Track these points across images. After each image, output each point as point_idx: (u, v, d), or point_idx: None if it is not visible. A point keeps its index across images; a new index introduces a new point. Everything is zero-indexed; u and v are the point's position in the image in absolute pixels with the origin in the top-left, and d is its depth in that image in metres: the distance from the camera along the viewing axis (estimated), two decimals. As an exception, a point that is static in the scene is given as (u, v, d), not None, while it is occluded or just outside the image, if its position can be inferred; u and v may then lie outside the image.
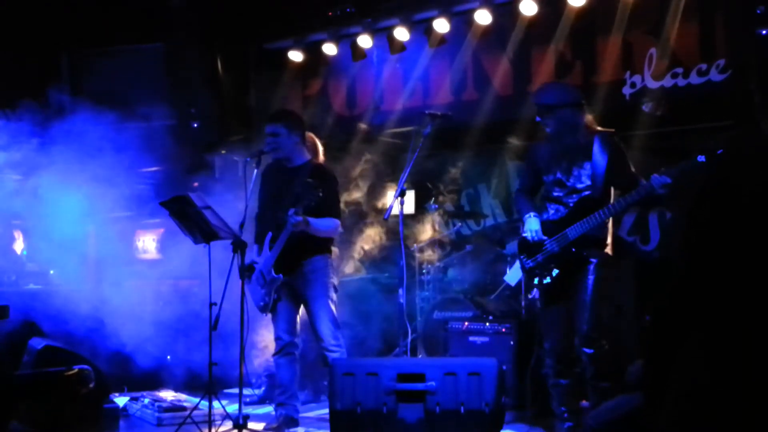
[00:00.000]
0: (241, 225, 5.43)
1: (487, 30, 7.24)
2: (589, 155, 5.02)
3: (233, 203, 6.37)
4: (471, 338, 6.52)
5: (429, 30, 7.46)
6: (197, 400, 5.70)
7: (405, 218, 7.58)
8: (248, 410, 5.91)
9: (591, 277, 4.96)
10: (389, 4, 7.69)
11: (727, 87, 6.10)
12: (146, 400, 6.27)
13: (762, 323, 1.49)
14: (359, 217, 7.79)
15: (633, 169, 5.04)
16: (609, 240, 5.14)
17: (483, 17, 7.12)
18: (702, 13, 6.26)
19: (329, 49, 8.02)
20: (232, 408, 5.74)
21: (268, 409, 6.19)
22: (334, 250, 5.97)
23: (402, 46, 7.70)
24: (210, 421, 5.33)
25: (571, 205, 5.07)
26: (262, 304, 5.67)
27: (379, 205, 7.81)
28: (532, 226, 5.19)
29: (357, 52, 7.93)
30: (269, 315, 5.77)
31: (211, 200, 5.57)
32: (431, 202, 7.80)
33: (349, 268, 7.54)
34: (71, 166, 6.45)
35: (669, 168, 4.72)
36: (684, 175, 4.66)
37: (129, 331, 6.60)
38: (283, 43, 8.35)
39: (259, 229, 5.84)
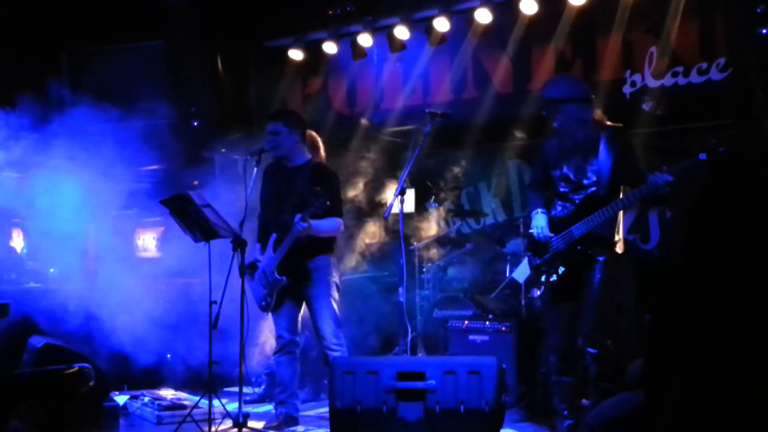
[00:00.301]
0: (241, 223, 5.44)
1: (488, 29, 7.24)
2: (595, 151, 4.97)
3: (233, 201, 6.37)
4: (471, 337, 6.52)
5: (429, 29, 7.46)
6: (197, 398, 5.70)
7: (408, 216, 7.62)
8: (248, 408, 5.92)
9: (597, 277, 4.94)
10: (389, 3, 7.70)
11: (727, 86, 6.10)
12: (146, 399, 6.27)
13: (762, 323, 1.49)
14: (359, 216, 7.79)
15: (640, 166, 4.98)
16: (620, 237, 5.11)
17: (483, 16, 7.12)
18: (702, 12, 6.26)
19: (329, 47, 8.02)
20: (232, 406, 5.74)
21: (268, 407, 6.19)
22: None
23: (402, 45, 7.70)
24: (210, 420, 5.33)
25: (577, 201, 5.04)
26: (263, 303, 5.68)
27: (380, 203, 7.81)
28: (538, 223, 5.16)
29: (357, 51, 7.93)
30: (269, 313, 5.78)
31: (211, 198, 5.57)
32: (431, 200, 7.80)
33: (350, 262, 7.54)
34: (72, 164, 6.44)
35: (671, 166, 4.70)
36: (685, 174, 4.62)
37: (129, 329, 6.60)
38: (283, 41, 8.35)
39: (261, 229, 5.84)
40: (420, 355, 6.94)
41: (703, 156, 4.52)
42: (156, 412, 5.98)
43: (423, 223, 7.81)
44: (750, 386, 1.48)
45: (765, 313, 1.50)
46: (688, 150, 6.36)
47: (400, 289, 5.83)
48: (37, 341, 5.84)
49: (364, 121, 8.11)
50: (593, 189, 4.98)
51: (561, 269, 5.05)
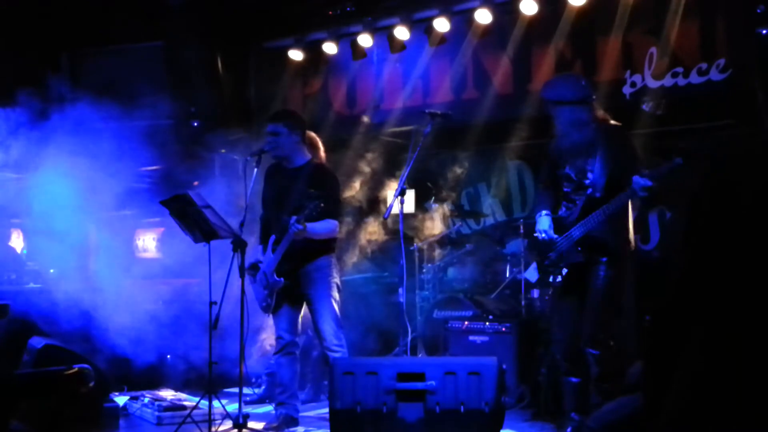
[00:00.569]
0: (241, 224, 5.44)
1: (488, 29, 7.23)
2: (593, 152, 4.97)
3: (233, 202, 6.37)
4: (471, 337, 6.52)
5: (429, 29, 7.46)
6: (197, 399, 5.70)
7: (410, 216, 7.62)
8: (248, 409, 5.92)
9: (598, 278, 4.94)
10: (389, 3, 7.69)
11: (727, 86, 6.09)
12: (146, 399, 6.27)
13: (763, 323, 1.49)
14: (359, 216, 7.79)
15: (639, 166, 4.88)
16: (630, 235, 5.11)
17: (483, 16, 7.11)
18: (702, 13, 6.25)
19: (329, 48, 8.02)
20: (232, 407, 5.74)
21: (268, 408, 6.19)
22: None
23: (402, 45, 7.70)
24: (210, 421, 5.33)
25: (578, 202, 5.04)
26: (264, 304, 5.69)
27: (380, 203, 7.81)
28: (541, 225, 5.17)
29: (357, 51, 7.93)
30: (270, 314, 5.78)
31: (211, 199, 5.57)
32: (431, 201, 7.80)
33: (350, 262, 7.54)
34: (72, 165, 6.44)
35: (651, 170, 4.69)
36: (663, 178, 4.63)
37: (129, 330, 6.59)
38: (283, 42, 8.35)
39: (263, 230, 5.85)
40: (420, 355, 6.94)
41: (679, 160, 4.54)
42: (156, 413, 5.98)
43: (427, 222, 7.81)
44: (750, 387, 1.48)
45: (765, 314, 1.50)
46: (688, 150, 6.39)
47: (400, 290, 5.82)
48: (37, 342, 5.84)
49: (365, 118, 8.11)
50: (590, 190, 4.99)
51: (564, 270, 5.06)
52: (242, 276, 5.35)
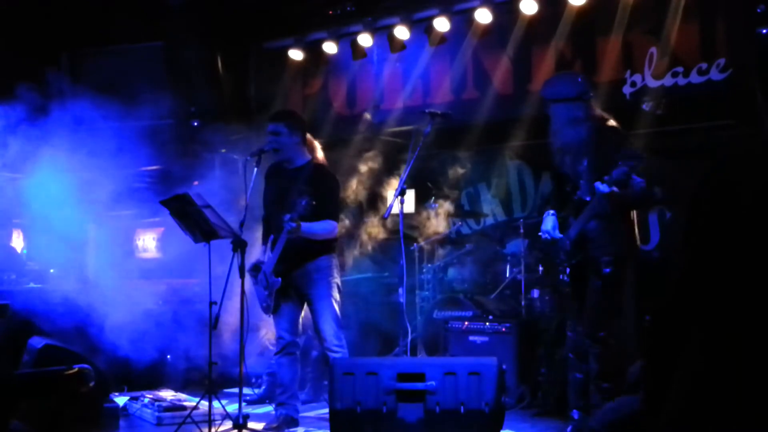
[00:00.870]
0: (242, 224, 5.44)
1: (488, 29, 7.23)
2: (587, 151, 4.98)
3: (233, 202, 6.37)
4: (471, 338, 6.52)
5: (429, 29, 7.46)
6: (197, 399, 5.70)
7: (410, 216, 7.61)
8: (248, 410, 5.92)
9: (599, 277, 4.97)
10: (389, 3, 7.69)
11: (727, 86, 6.09)
12: (146, 400, 6.27)
13: (763, 324, 1.49)
14: (359, 215, 7.79)
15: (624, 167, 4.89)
16: (634, 235, 5.13)
17: (483, 16, 7.11)
18: (702, 13, 6.25)
19: (329, 47, 8.01)
20: (233, 407, 5.73)
21: (269, 408, 6.19)
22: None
23: (402, 45, 7.70)
24: (210, 421, 5.32)
25: (575, 201, 5.07)
26: (265, 305, 5.69)
27: (380, 203, 7.81)
28: (545, 225, 5.20)
29: (357, 51, 7.93)
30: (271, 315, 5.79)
31: (211, 199, 5.57)
32: (431, 201, 7.80)
33: (350, 262, 7.54)
34: (72, 165, 6.44)
35: (608, 176, 4.68)
36: (619, 184, 4.66)
37: (129, 330, 6.59)
38: (283, 41, 8.35)
39: (265, 231, 5.86)
40: (420, 356, 6.94)
41: (624, 168, 4.58)
42: (156, 413, 5.97)
43: (431, 220, 7.80)
44: (750, 387, 1.47)
45: (765, 314, 1.49)
46: (688, 150, 6.40)
47: (400, 290, 5.83)
48: (37, 342, 5.84)
49: (367, 115, 8.11)
50: (581, 191, 5.02)
51: (568, 269, 5.08)
52: (242, 276, 5.35)
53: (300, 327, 5.80)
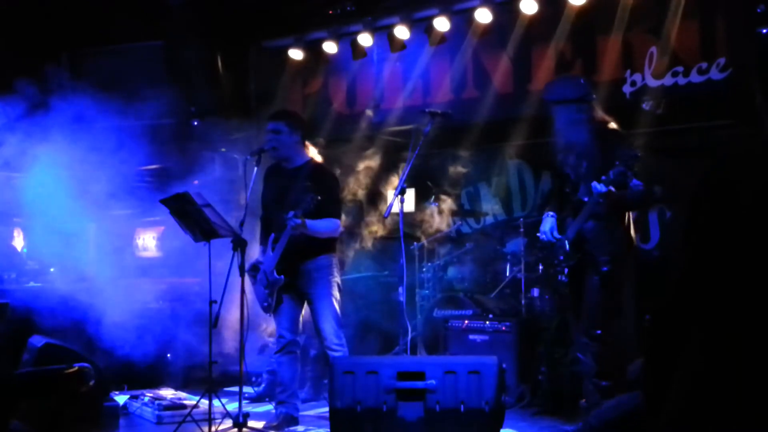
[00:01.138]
0: (241, 223, 5.44)
1: (488, 28, 7.23)
2: (588, 152, 5.01)
3: (233, 201, 6.37)
4: (471, 336, 6.53)
5: (429, 28, 7.45)
6: (197, 398, 5.70)
7: (412, 215, 7.61)
8: (248, 408, 5.92)
9: (596, 277, 5.00)
10: (389, 3, 7.69)
11: (727, 86, 6.09)
12: (146, 398, 6.27)
13: (763, 324, 1.49)
14: (359, 215, 7.79)
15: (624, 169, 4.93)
16: (630, 235, 5.16)
17: (483, 16, 7.11)
18: (702, 12, 6.25)
19: (329, 47, 8.01)
20: (233, 406, 5.74)
21: (269, 407, 6.19)
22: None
23: (402, 45, 7.69)
24: (210, 420, 5.33)
25: (574, 202, 5.11)
26: (265, 304, 5.69)
27: (380, 202, 7.81)
28: (544, 226, 5.25)
29: (357, 51, 7.93)
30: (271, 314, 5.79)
31: (211, 198, 5.57)
32: (431, 200, 7.80)
33: (350, 261, 7.54)
34: (72, 164, 6.44)
35: (605, 177, 4.72)
36: (615, 184, 4.74)
37: (129, 328, 6.60)
38: (283, 41, 8.35)
39: (263, 231, 5.85)
40: (420, 354, 6.94)
41: (621, 168, 4.66)
42: (156, 412, 5.98)
43: (434, 217, 7.80)
44: (750, 387, 1.48)
45: (765, 314, 1.50)
46: (687, 150, 6.40)
47: (400, 289, 5.84)
48: (37, 341, 5.84)
49: (369, 112, 8.10)
50: (580, 192, 5.07)
51: (566, 270, 5.11)
52: (242, 275, 5.36)
53: (300, 326, 5.80)
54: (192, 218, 5.47)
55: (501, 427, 4.74)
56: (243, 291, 5.33)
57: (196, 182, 7.41)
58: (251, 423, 5.40)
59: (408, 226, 7.04)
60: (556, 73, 6.97)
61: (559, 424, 5.61)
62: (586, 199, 4.99)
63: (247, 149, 6.87)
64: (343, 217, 6.59)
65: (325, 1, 8.00)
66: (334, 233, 5.72)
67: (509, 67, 7.35)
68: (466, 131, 7.58)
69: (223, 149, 8.11)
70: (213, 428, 5.34)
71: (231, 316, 5.88)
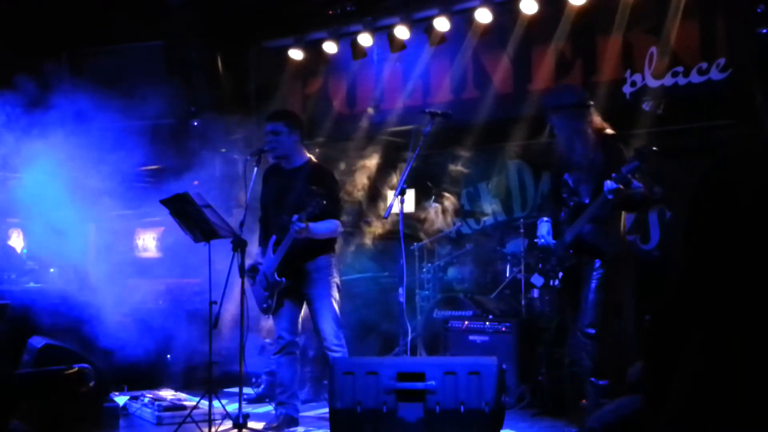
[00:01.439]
0: (241, 223, 5.44)
1: (488, 29, 7.23)
2: (587, 159, 5.09)
3: (233, 202, 6.37)
4: (471, 337, 6.52)
5: (429, 28, 7.45)
6: (197, 399, 5.70)
7: (412, 216, 7.60)
8: (248, 409, 5.92)
9: (591, 279, 5.05)
10: (389, 3, 7.69)
11: (727, 86, 6.09)
12: (146, 399, 6.27)
13: (763, 324, 1.49)
14: (359, 215, 7.79)
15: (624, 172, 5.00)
16: (621, 236, 5.23)
17: (483, 16, 7.11)
18: (702, 12, 6.25)
19: (329, 47, 8.01)
20: (233, 407, 5.73)
21: (268, 408, 6.19)
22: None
23: (402, 45, 7.69)
24: (210, 420, 5.32)
25: (572, 206, 5.18)
26: (265, 306, 5.69)
27: (379, 203, 7.81)
28: (540, 231, 5.34)
29: (357, 51, 7.93)
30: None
31: (211, 198, 5.57)
32: (431, 200, 7.80)
33: (350, 262, 7.54)
34: (72, 164, 6.44)
35: (616, 174, 4.77)
36: (626, 180, 4.79)
37: (129, 329, 6.60)
38: (283, 41, 8.35)
39: (263, 232, 5.85)
40: (420, 355, 6.94)
41: (636, 163, 4.71)
42: (156, 413, 5.97)
43: (437, 216, 7.79)
44: (750, 387, 1.47)
45: (765, 314, 1.49)
46: (687, 150, 6.39)
47: (400, 289, 5.82)
48: (37, 341, 5.84)
49: (370, 110, 8.10)
50: (580, 196, 5.14)
51: (560, 274, 5.15)
52: (242, 275, 5.35)
53: (300, 326, 5.80)
54: (192, 219, 5.47)
55: (501, 427, 4.74)
56: (243, 292, 5.33)
57: (196, 182, 7.41)
58: (251, 424, 5.39)
59: (408, 226, 7.03)
60: (556, 73, 6.97)
61: (559, 425, 5.61)
62: (586, 201, 5.04)
63: (247, 149, 6.87)
64: (343, 217, 6.60)
65: (325, 1, 7.99)
66: (335, 234, 5.72)
67: (509, 67, 7.35)
68: (466, 131, 7.58)
69: (223, 149, 8.10)
70: (213, 429, 5.34)
71: (231, 318, 5.88)
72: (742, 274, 1.52)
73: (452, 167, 7.99)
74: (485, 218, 8.55)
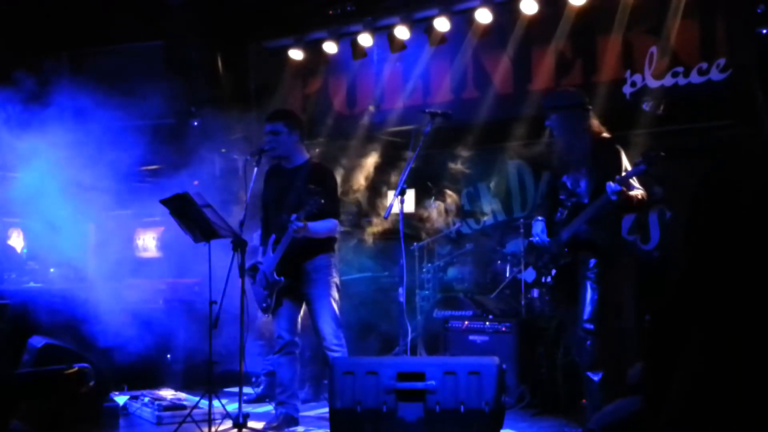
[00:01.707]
0: (241, 223, 5.44)
1: (488, 29, 7.23)
2: (586, 161, 5.12)
3: (233, 201, 6.36)
4: (471, 337, 6.52)
5: (429, 29, 7.45)
6: (197, 398, 5.70)
7: (412, 216, 7.61)
8: (248, 409, 5.92)
9: (588, 277, 5.08)
10: (389, 3, 7.69)
11: (727, 86, 6.10)
12: (146, 399, 6.27)
13: (763, 324, 1.49)
14: (359, 215, 7.79)
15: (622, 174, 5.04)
16: (619, 235, 5.27)
17: (483, 16, 7.11)
18: (702, 12, 6.25)
19: (329, 47, 8.01)
20: (232, 407, 5.73)
21: (268, 407, 6.19)
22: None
23: (402, 45, 7.69)
24: (210, 420, 5.32)
25: (570, 206, 5.21)
26: (264, 305, 5.69)
27: (379, 203, 7.81)
28: (535, 230, 5.37)
29: (357, 51, 7.93)
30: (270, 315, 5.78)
31: (211, 198, 5.57)
32: (431, 200, 7.80)
33: (350, 259, 7.54)
34: (72, 164, 6.44)
35: (620, 176, 4.81)
36: (627, 183, 4.86)
37: (129, 329, 6.59)
38: (283, 41, 8.35)
39: (264, 232, 5.85)
40: (420, 355, 6.94)
41: (642, 166, 4.79)
42: (156, 413, 5.98)
43: (437, 216, 7.80)
44: (750, 387, 1.48)
45: (765, 314, 1.49)
46: (688, 150, 6.40)
47: (400, 289, 5.83)
48: (37, 341, 5.84)
49: (371, 108, 8.10)
50: (578, 197, 5.18)
51: (554, 271, 5.19)
52: (242, 275, 5.35)
53: (299, 326, 5.80)
54: (192, 219, 5.47)
55: (501, 427, 4.74)
56: (243, 291, 5.33)
57: (196, 182, 7.41)
58: (251, 424, 5.39)
59: (409, 226, 7.03)
60: (556, 73, 6.97)
61: (559, 425, 5.61)
62: (585, 201, 5.06)
63: (247, 149, 6.87)
64: (342, 216, 6.60)
65: (325, 1, 7.99)
66: (333, 233, 5.72)
67: (509, 67, 7.35)
68: (466, 131, 7.59)
69: (223, 149, 8.11)
70: (213, 429, 5.34)
71: (231, 318, 5.87)
72: (742, 275, 1.52)
73: (452, 166, 7.99)
74: (485, 218, 8.55)
